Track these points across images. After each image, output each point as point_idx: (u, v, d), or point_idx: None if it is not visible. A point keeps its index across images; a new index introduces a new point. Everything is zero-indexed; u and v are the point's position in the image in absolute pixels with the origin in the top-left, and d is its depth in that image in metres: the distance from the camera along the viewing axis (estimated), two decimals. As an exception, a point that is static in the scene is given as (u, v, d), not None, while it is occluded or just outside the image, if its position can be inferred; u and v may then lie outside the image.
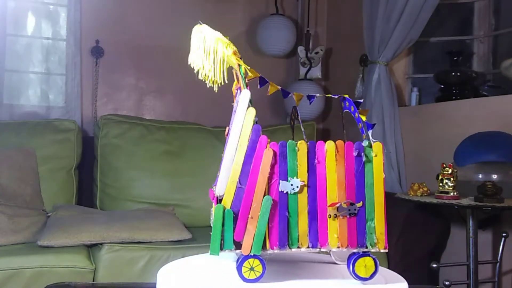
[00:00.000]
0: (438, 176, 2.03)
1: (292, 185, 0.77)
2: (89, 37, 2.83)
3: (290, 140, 0.78)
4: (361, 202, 0.78)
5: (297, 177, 0.78)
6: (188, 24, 0.86)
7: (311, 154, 0.78)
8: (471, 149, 2.11)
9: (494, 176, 2.04)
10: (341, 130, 0.78)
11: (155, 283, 0.83)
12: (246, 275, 0.77)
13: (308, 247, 0.78)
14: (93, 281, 1.81)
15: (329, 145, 0.78)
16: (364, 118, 0.84)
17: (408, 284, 0.85)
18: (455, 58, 2.62)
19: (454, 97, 2.59)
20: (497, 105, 2.34)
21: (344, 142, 0.80)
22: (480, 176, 2.07)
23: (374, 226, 0.78)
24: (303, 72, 3.20)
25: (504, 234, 2.07)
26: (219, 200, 0.78)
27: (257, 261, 0.77)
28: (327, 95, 0.95)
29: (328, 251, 0.83)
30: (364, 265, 0.79)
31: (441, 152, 2.41)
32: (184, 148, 2.58)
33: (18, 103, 2.69)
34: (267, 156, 0.77)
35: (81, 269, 1.78)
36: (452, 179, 2.00)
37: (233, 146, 0.78)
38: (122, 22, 2.93)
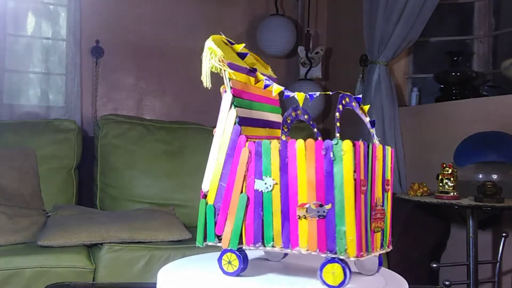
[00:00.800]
0: (438, 176, 2.03)
1: (266, 183, 0.78)
2: (89, 37, 2.83)
3: (264, 140, 0.79)
4: (330, 204, 0.73)
5: (270, 176, 0.78)
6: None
7: (284, 153, 0.78)
8: (471, 149, 2.11)
9: (494, 176, 2.04)
10: (341, 130, 0.76)
11: (155, 283, 0.83)
12: (225, 268, 0.82)
13: (281, 247, 0.78)
14: (93, 281, 1.81)
15: (299, 144, 0.76)
16: (365, 113, 0.84)
17: (408, 284, 0.85)
18: (455, 58, 2.62)
19: (454, 97, 2.59)
20: (497, 105, 2.34)
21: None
22: (480, 176, 2.07)
23: (345, 231, 0.72)
24: (303, 72, 3.20)
25: (504, 234, 2.07)
26: (204, 196, 0.84)
27: (233, 256, 0.80)
28: (326, 92, 0.94)
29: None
30: (332, 272, 0.73)
31: (441, 152, 2.41)
32: (184, 148, 2.58)
33: (18, 103, 2.69)
34: (243, 155, 0.80)
35: (81, 269, 1.78)
36: (452, 179, 2.00)
37: (216, 145, 0.84)
38: (122, 22, 2.93)
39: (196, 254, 1.00)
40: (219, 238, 0.83)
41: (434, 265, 2.04)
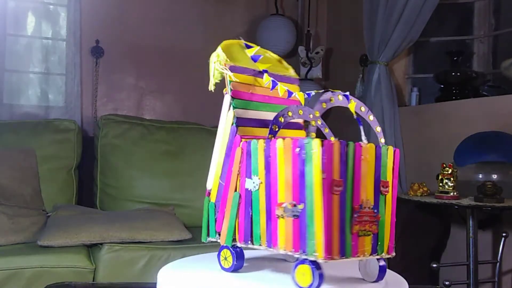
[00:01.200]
0: (438, 176, 2.03)
1: (254, 182, 0.79)
2: (89, 37, 2.83)
3: (254, 139, 0.80)
4: (302, 204, 0.72)
5: (257, 175, 0.79)
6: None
7: (267, 152, 0.78)
8: (471, 149, 2.11)
9: (494, 176, 2.04)
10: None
11: (155, 283, 0.83)
12: (222, 264, 0.84)
13: (266, 246, 0.78)
14: (93, 281, 1.81)
15: (279, 143, 0.76)
16: (353, 111, 0.83)
17: (408, 284, 0.85)
18: (455, 58, 2.62)
19: (454, 97, 2.59)
20: (497, 105, 2.34)
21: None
22: (480, 176, 2.07)
23: (314, 232, 0.71)
24: (303, 72, 3.20)
25: (504, 234, 2.07)
26: (208, 194, 0.87)
27: (228, 252, 0.82)
28: (318, 91, 0.94)
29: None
30: (303, 273, 0.72)
31: (441, 152, 2.41)
32: (184, 148, 2.58)
33: (18, 103, 2.69)
34: (237, 154, 0.82)
35: (81, 269, 1.78)
36: (452, 179, 1.99)
37: (218, 145, 0.87)
38: (122, 22, 2.92)
39: (196, 254, 1.01)
40: (219, 234, 0.85)
41: (434, 265, 2.04)
